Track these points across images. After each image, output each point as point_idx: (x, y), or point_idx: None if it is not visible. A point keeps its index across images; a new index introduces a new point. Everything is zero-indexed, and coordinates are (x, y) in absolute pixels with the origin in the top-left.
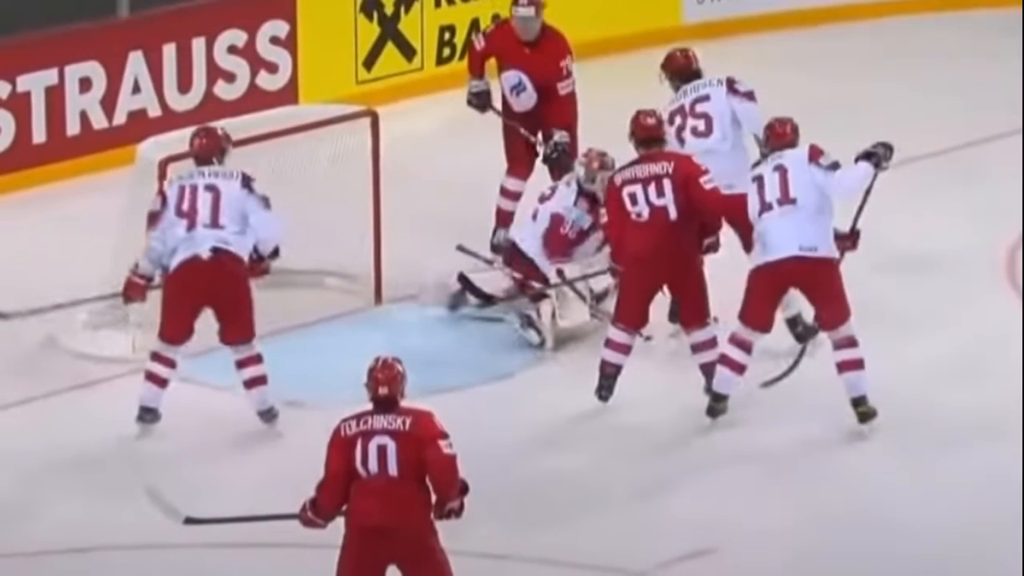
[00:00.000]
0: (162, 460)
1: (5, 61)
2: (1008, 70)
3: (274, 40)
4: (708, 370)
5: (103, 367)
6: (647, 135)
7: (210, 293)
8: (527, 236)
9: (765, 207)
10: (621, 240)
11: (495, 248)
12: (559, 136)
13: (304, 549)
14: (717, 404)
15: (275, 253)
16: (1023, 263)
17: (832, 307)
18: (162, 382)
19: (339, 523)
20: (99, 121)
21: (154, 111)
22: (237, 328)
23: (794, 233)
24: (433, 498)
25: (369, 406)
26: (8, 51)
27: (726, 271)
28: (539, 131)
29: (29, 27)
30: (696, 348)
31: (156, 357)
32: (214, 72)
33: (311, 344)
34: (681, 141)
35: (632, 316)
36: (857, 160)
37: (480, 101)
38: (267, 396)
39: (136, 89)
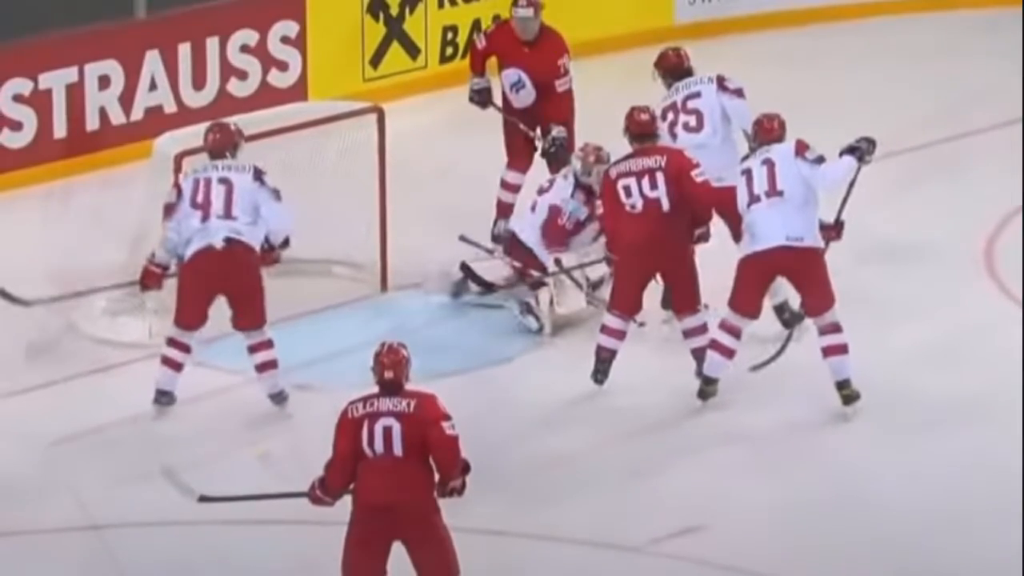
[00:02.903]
0: (178, 441)
1: (28, 60)
2: (985, 67)
3: (284, 40)
4: (699, 355)
5: (121, 352)
6: (641, 130)
7: (223, 281)
8: (526, 227)
9: (753, 199)
10: (616, 230)
11: (496, 238)
12: (557, 131)
13: (313, 526)
14: (708, 387)
15: (285, 243)
16: (1023, 255)
17: (817, 294)
18: (177, 366)
19: (346, 501)
20: (117, 117)
21: (170, 107)
22: (249, 315)
23: (781, 224)
24: (436, 477)
25: (375, 389)
26: (30, 51)
27: (716, 260)
28: (538, 126)
29: (50, 27)
30: (687, 334)
31: (172, 342)
32: (227, 70)
33: (320, 330)
34: (673, 136)
35: (626, 303)
36: (841, 154)
37: (481, 98)
38: (278, 380)
39: (153, 86)
